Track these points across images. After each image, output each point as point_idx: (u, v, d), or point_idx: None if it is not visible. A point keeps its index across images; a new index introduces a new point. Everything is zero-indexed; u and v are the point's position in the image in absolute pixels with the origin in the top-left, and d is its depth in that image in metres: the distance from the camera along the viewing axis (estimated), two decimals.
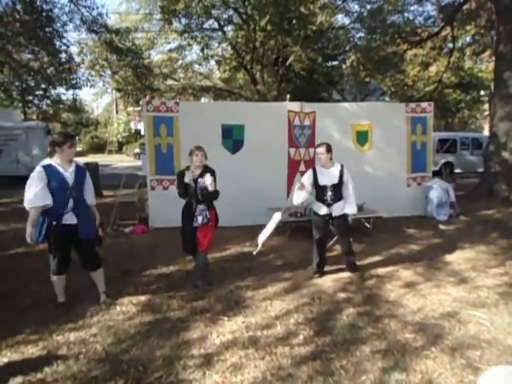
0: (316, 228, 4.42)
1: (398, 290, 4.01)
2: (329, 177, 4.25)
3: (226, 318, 3.40)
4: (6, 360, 2.79)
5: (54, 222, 3.32)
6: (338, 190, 4.27)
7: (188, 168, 4.03)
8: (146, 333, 3.16)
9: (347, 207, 4.33)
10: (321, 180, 4.25)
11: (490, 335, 3.10)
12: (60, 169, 3.35)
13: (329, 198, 4.25)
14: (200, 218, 3.93)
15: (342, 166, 4.31)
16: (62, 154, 3.35)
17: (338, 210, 4.30)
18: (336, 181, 4.24)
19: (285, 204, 6.68)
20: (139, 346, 2.97)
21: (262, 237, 4.14)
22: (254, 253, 4.28)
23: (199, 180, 3.93)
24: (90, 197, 3.63)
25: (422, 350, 2.88)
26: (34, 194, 3.25)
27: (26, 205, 3.33)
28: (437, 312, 3.51)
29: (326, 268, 4.59)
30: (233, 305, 3.67)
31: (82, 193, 3.50)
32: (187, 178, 3.94)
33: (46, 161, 3.40)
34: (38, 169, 3.30)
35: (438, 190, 7.14)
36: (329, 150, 4.23)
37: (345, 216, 4.39)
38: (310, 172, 4.36)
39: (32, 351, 2.90)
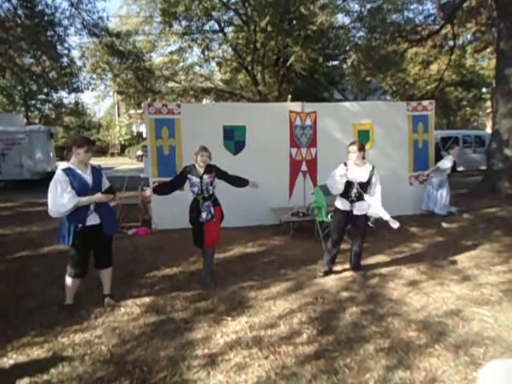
0: (334, 224, 4.41)
1: (401, 289, 4.01)
2: (358, 174, 4.22)
3: (229, 318, 3.41)
4: (12, 362, 2.82)
5: (80, 225, 3.36)
6: (363, 189, 4.23)
7: (194, 166, 4.16)
8: (151, 333, 3.18)
9: (377, 209, 4.25)
10: (349, 176, 4.21)
11: (493, 332, 3.10)
12: (79, 171, 3.38)
13: (353, 195, 4.24)
14: (204, 214, 4.08)
15: (373, 167, 4.29)
16: (78, 157, 3.37)
17: (359, 208, 4.27)
18: (364, 179, 4.21)
19: (287, 204, 6.74)
20: (144, 347, 2.98)
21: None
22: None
23: (204, 176, 4.08)
24: None
25: (426, 348, 2.88)
26: (67, 198, 3.25)
27: (61, 210, 3.27)
28: (440, 310, 3.51)
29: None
30: (236, 305, 3.68)
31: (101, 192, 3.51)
32: (192, 175, 4.10)
33: (64, 164, 3.44)
34: (60, 172, 3.31)
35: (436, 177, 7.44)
36: (361, 148, 4.20)
37: (365, 217, 4.35)
38: (341, 166, 4.26)
39: (38, 353, 2.92)
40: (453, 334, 3.09)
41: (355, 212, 4.26)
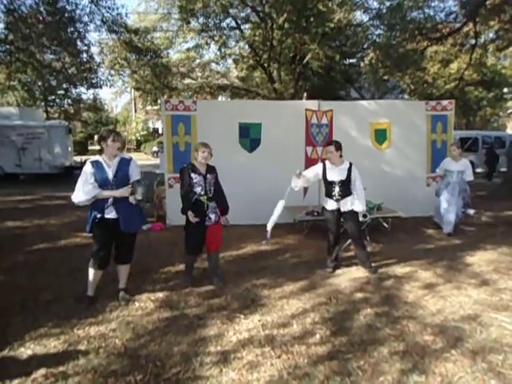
0: (328, 223, 4.58)
1: (417, 291, 3.94)
2: (337, 173, 4.36)
3: (242, 316, 3.41)
4: (29, 352, 2.88)
5: (99, 215, 3.45)
6: (345, 187, 4.36)
7: (193, 164, 3.91)
8: (164, 329, 3.21)
9: (356, 204, 4.39)
10: (329, 176, 4.38)
11: None
12: (104, 164, 3.48)
13: (337, 194, 4.36)
14: (213, 216, 3.92)
15: (350, 163, 4.41)
16: (107, 148, 3.48)
17: (345, 205, 4.39)
18: (344, 177, 4.34)
19: (301, 203, 6.70)
20: (157, 342, 3.01)
21: (269, 225, 4.20)
22: (264, 242, 4.34)
23: (208, 175, 3.89)
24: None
25: (442, 353, 2.83)
26: (87, 189, 3.40)
27: (80, 198, 3.42)
28: (457, 314, 3.43)
29: (343, 268, 4.59)
30: (249, 303, 3.68)
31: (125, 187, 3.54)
32: (195, 174, 3.82)
33: (95, 157, 3.60)
34: (88, 164, 3.49)
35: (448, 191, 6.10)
36: (338, 148, 4.34)
37: (354, 213, 4.43)
38: (319, 165, 4.50)
39: (54, 344, 2.98)
40: (470, 339, 3.02)
41: (342, 209, 4.41)
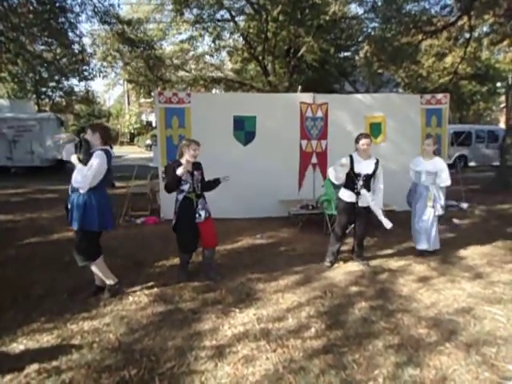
0: (340, 215, 4.50)
1: (411, 285, 3.96)
2: (364, 166, 4.30)
3: (237, 310, 3.40)
4: (22, 347, 2.84)
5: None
6: (368, 181, 4.33)
7: (179, 161, 3.79)
8: (158, 323, 3.19)
9: (376, 200, 4.35)
10: (356, 168, 4.30)
11: (506, 332, 3.04)
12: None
13: (359, 187, 4.30)
14: (203, 213, 3.86)
15: (377, 160, 4.38)
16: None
17: (364, 200, 4.33)
18: (370, 171, 4.30)
19: (296, 196, 6.69)
20: (151, 336, 2.99)
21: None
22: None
23: (195, 172, 3.83)
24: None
25: (436, 346, 2.84)
26: None
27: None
28: (451, 307, 3.46)
29: (338, 262, 4.59)
30: (244, 297, 3.67)
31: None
32: (180, 171, 3.63)
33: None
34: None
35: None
36: (370, 141, 4.31)
37: (368, 209, 4.38)
38: (347, 158, 4.31)
39: (47, 339, 2.95)
40: (464, 332, 3.04)
41: (360, 204, 4.34)
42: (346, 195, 4.39)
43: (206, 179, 4.05)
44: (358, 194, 4.31)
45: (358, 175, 4.30)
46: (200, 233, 3.91)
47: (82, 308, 3.42)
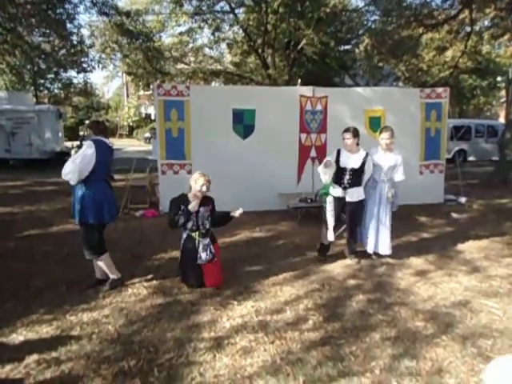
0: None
1: (409, 278, 3.98)
2: (351, 161, 4.22)
3: (235, 303, 3.42)
4: (21, 338, 2.86)
5: None
6: (356, 176, 4.24)
7: (186, 196, 3.61)
8: (157, 315, 3.21)
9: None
10: (342, 162, 4.23)
11: (502, 325, 3.07)
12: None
13: (345, 182, 4.24)
14: (204, 255, 3.54)
15: (367, 153, 4.27)
16: None
17: (352, 195, 4.28)
18: (357, 166, 4.21)
19: (295, 190, 6.69)
20: (150, 328, 3.01)
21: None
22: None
23: (201, 209, 3.56)
24: None
25: (433, 338, 2.87)
26: None
27: None
28: (448, 300, 3.48)
29: (336, 255, 4.60)
30: (242, 289, 3.69)
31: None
32: (193, 206, 3.47)
33: None
34: None
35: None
36: (355, 134, 4.20)
37: (359, 204, 4.34)
38: (334, 152, 4.31)
39: (47, 330, 2.97)
40: (460, 325, 3.07)
41: (348, 199, 4.28)
42: (333, 190, 4.29)
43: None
44: (344, 188, 4.25)
45: (344, 169, 4.22)
46: (202, 272, 3.63)
47: (81, 300, 3.44)
